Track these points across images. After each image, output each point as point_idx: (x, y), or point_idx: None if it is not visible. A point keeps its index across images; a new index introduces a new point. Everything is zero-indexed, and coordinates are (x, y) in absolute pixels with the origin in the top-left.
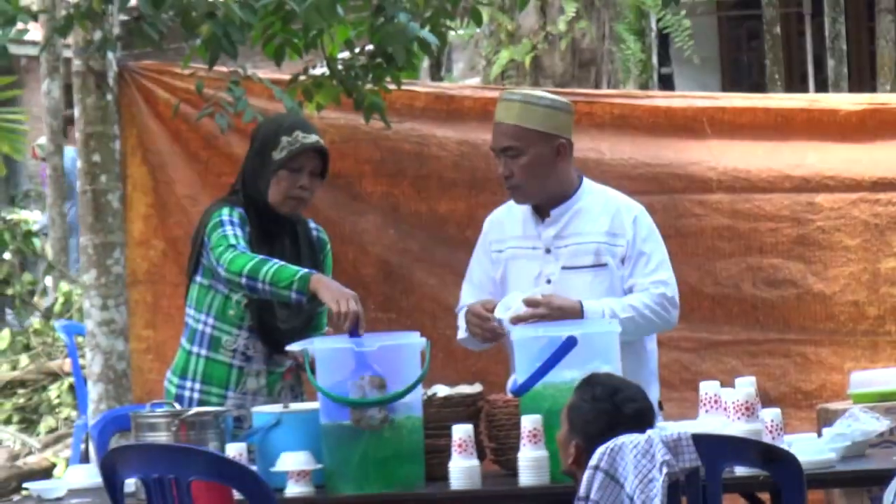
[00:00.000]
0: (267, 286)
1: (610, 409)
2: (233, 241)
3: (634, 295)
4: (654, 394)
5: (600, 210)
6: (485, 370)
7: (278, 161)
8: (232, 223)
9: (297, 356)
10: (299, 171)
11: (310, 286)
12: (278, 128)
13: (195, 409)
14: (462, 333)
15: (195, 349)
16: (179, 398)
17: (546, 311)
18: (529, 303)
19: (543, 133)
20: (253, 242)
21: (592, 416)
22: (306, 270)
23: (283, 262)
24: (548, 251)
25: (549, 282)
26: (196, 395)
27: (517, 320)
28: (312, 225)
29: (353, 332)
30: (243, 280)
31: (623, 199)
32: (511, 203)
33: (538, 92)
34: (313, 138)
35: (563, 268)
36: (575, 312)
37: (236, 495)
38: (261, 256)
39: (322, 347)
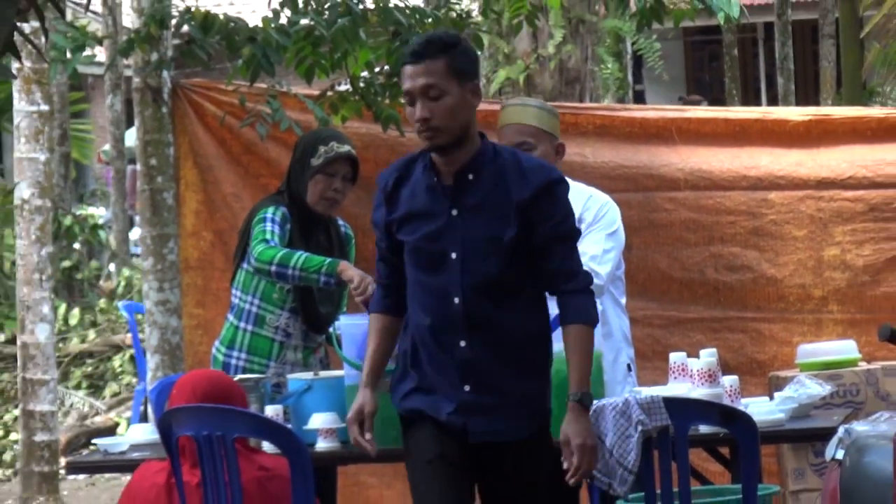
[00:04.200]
0: (297, 272)
1: None
2: (268, 236)
3: None
4: (625, 356)
5: (575, 202)
6: None
7: (316, 166)
8: (273, 221)
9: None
10: (333, 176)
11: (337, 269)
12: (317, 139)
13: (240, 376)
14: None
15: (242, 325)
16: (226, 366)
17: None
18: None
19: (550, 133)
20: (293, 236)
21: None
22: (332, 259)
23: (309, 253)
24: None
25: None
26: (241, 364)
27: None
28: (341, 222)
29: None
30: (273, 268)
31: (593, 192)
32: None
33: (541, 101)
34: (346, 148)
35: None
36: None
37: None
38: (289, 249)
39: (347, 324)
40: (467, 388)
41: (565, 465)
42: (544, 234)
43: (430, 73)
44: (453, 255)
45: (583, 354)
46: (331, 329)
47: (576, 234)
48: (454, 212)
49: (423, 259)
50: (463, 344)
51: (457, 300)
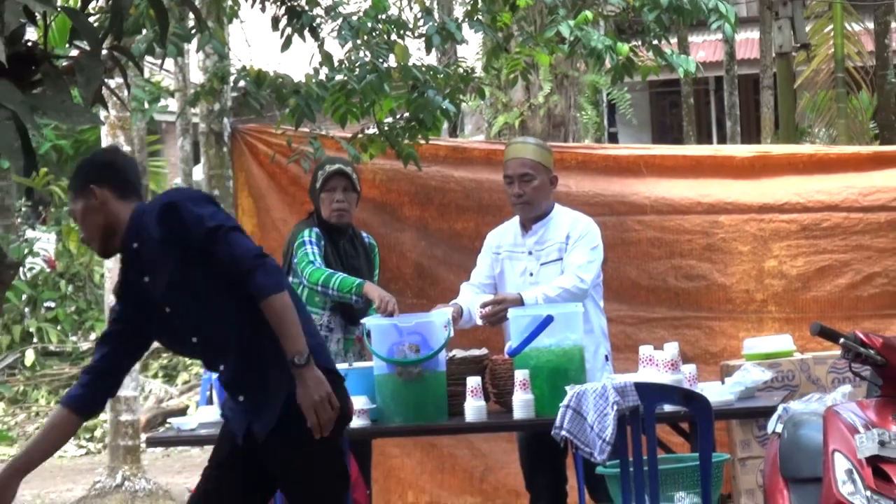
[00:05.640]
0: (335, 292)
1: None
2: (311, 258)
3: (559, 278)
4: (604, 349)
5: (564, 224)
6: (488, 339)
7: (319, 188)
8: (311, 243)
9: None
10: (333, 191)
11: (364, 290)
12: (318, 167)
13: None
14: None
15: None
16: None
17: (498, 305)
18: (486, 303)
19: (546, 167)
20: (327, 249)
21: None
22: (360, 281)
23: (344, 275)
24: (530, 253)
25: (531, 274)
26: None
27: (486, 315)
28: (365, 235)
29: (390, 315)
30: (319, 288)
31: (578, 215)
32: (507, 222)
33: (538, 139)
34: (336, 166)
35: (541, 264)
36: (516, 301)
37: None
38: (330, 271)
39: (375, 324)
40: (241, 398)
41: (309, 425)
42: (197, 242)
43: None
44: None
45: (282, 321)
46: (362, 322)
47: (220, 225)
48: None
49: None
50: (222, 367)
51: (195, 339)
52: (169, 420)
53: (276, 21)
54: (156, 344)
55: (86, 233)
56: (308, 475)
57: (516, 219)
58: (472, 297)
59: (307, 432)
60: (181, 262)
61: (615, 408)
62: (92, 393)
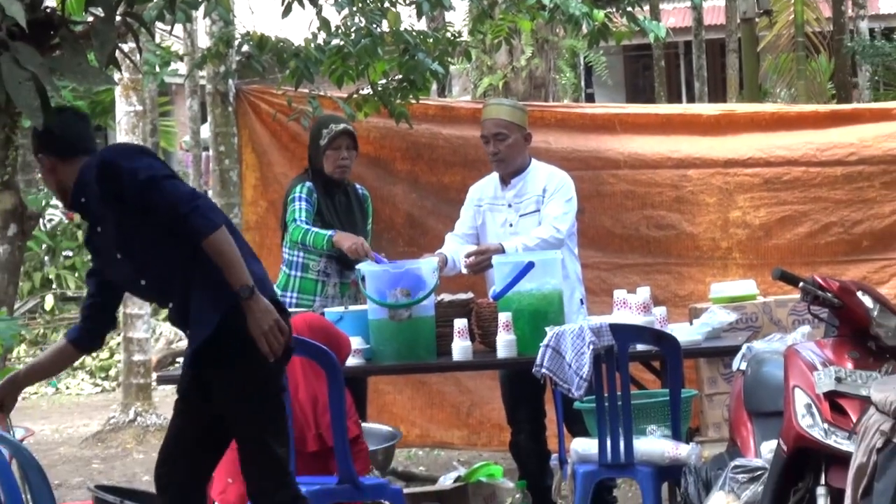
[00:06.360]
0: (311, 247)
1: None
2: (297, 214)
3: (537, 229)
4: (579, 293)
5: (540, 178)
6: (473, 284)
7: (324, 145)
8: (300, 199)
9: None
10: (339, 149)
11: (333, 241)
12: (321, 124)
13: (293, 310)
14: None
15: (292, 272)
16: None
17: (482, 255)
18: (470, 253)
19: (520, 125)
20: (323, 201)
21: None
22: (330, 234)
23: (317, 230)
24: (509, 205)
25: (511, 225)
26: (294, 301)
27: (471, 264)
28: (358, 186)
29: (365, 256)
30: (299, 244)
31: (554, 170)
32: (487, 177)
33: (513, 100)
34: (342, 126)
35: (520, 215)
36: (498, 251)
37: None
38: (306, 227)
39: (369, 270)
40: (187, 332)
41: (263, 352)
42: (132, 196)
43: None
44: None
45: (222, 258)
46: (357, 267)
47: (152, 175)
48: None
49: None
50: (171, 305)
51: (143, 282)
52: (178, 359)
53: None
54: None
55: (52, 192)
56: (246, 406)
57: (496, 174)
58: (455, 247)
59: (248, 360)
60: (123, 214)
61: (591, 347)
62: (88, 329)
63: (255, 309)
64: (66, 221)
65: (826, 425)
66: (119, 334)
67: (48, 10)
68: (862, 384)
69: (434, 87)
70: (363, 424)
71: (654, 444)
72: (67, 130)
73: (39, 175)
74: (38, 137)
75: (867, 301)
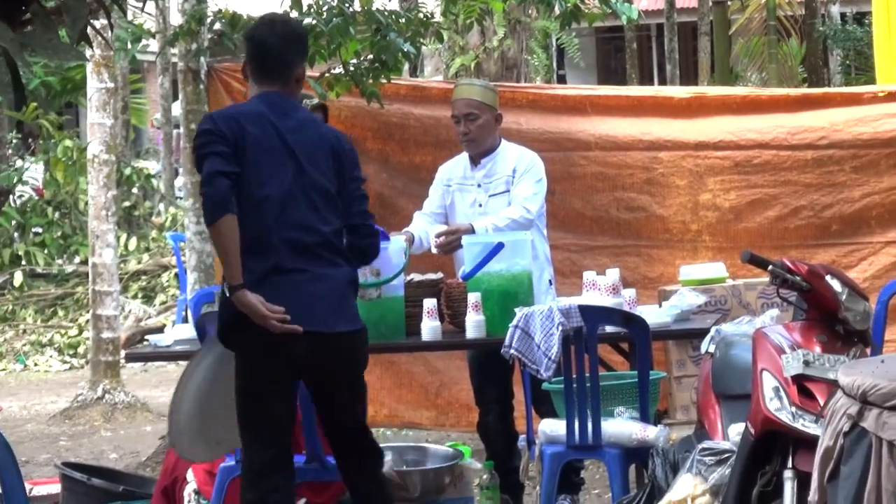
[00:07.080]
0: None
1: None
2: None
3: (507, 209)
4: (548, 274)
5: (510, 158)
6: (443, 265)
7: None
8: None
9: None
10: None
11: None
12: None
13: None
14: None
15: None
16: None
17: (452, 235)
18: (440, 234)
19: (491, 106)
20: None
21: None
22: None
23: None
24: (479, 186)
25: (480, 205)
26: None
27: (441, 244)
28: None
29: None
30: None
31: (524, 150)
32: (457, 157)
33: (485, 81)
34: (315, 100)
35: (490, 195)
36: (468, 231)
37: None
38: None
39: None
40: None
41: None
42: None
43: None
44: None
45: (218, 249)
46: None
47: (196, 151)
48: None
49: None
50: None
51: None
52: (147, 337)
53: None
54: (134, 266)
55: None
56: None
57: (466, 154)
58: (423, 226)
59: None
60: None
61: (560, 328)
62: None
63: (241, 304)
64: (37, 198)
65: (794, 409)
66: (88, 311)
67: None
68: (830, 368)
69: (406, 67)
70: None
71: (621, 425)
72: None
73: (10, 151)
74: None
75: (836, 285)
